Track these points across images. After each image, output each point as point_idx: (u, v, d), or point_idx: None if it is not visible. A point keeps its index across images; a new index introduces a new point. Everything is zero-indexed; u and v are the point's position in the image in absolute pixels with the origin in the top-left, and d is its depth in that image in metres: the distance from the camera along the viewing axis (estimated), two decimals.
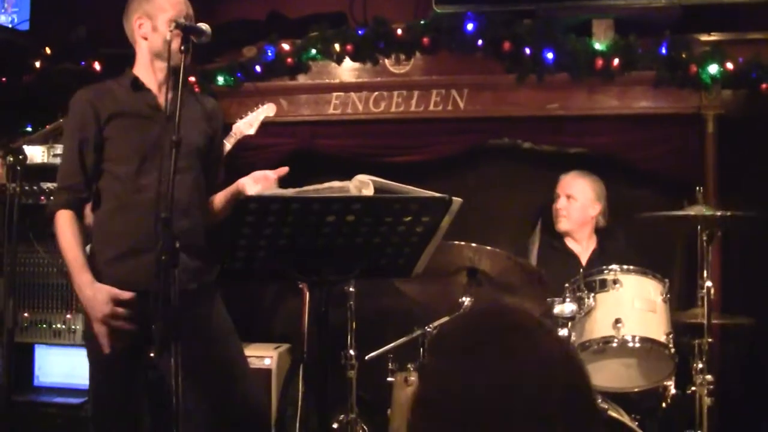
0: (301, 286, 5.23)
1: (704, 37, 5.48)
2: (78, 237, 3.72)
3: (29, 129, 6.04)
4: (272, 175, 3.66)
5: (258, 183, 3.72)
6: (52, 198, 3.89)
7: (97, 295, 3.58)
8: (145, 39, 3.80)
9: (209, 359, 3.79)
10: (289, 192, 3.07)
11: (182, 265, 3.64)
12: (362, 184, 2.95)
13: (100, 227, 3.81)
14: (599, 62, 5.40)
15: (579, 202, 5.32)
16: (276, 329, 6.21)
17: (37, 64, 6.19)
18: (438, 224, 3.07)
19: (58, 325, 6.03)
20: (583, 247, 5.39)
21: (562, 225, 5.37)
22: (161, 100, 3.82)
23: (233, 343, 4.03)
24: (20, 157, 4.78)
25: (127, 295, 3.58)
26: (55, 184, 5.89)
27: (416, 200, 3.00)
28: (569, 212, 5.33)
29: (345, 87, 5.85)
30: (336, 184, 3.02)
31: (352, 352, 4.85)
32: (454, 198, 3.01)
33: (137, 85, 3.81)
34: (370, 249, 3.06)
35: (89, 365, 3.84)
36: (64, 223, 3.73)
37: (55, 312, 6.05)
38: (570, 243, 5.41)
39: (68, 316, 6.01)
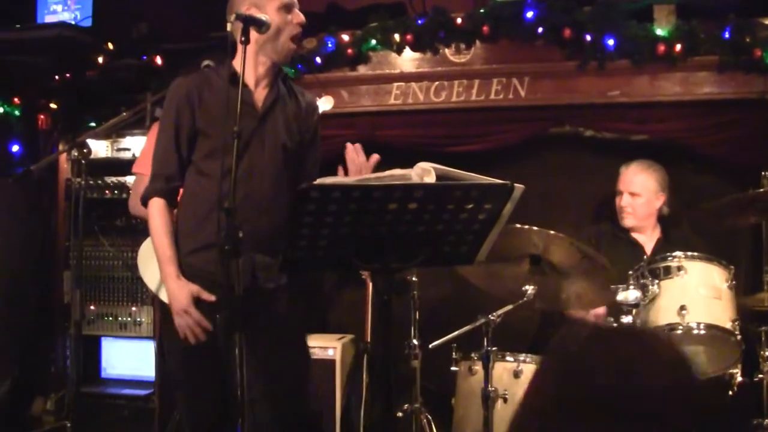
0: (364, 276, 5.24)
1: None
2: (168, 228, 3.71)
3: (92, 125, 6.11)
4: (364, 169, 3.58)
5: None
6: (147, 184, 3.79)
7: (180, 290, 3.59)
8: (260, 33, 3.65)
9: (275, 357, 3.80)
10: (351, 180, 3.07)
11: (261, 264, 3.66)
12: (424, 172, 2.94)
13: (186, 221, 3.78)
14: (661, 48, 5.35)
15: (643, 198, 5.22)
16: (338, 320, 6.23)
17: (100, 60, 6.26)
18: (500, 211, 3.05)
19: (124, 318, 6.14)
20: (647, 236, 5.31)
21: (628, 222, 5.28)
22: (257, 96, 3.80)
23: (299, 346, 4.04)
24: (85, 151, 4.85)
25: (208, 296, 3.57)
26: (119, 179, 6.07)
27: (478, 187, 2.98)
28: (634, 209, 5.24)
29: (405, 77, 5.86)
30: (398, 171, 3.01)
31: (415, 341, 4.85)
32: (516, 185, 2.99)
33: (235, 79, 3.65)
34: (432, 236, 3.05)
35: (168, 356, 3.85)
36: (157, 212, 3.71)
37: (121, 305, 6.16)
38: (634, 234, 5.33)
39: (134, 308, 6.11)
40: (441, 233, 3.06)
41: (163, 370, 5.54)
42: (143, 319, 6.09)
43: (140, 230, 5.42)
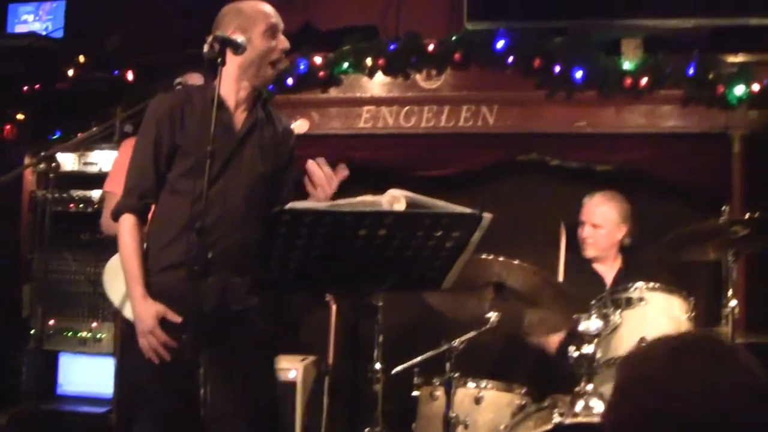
0: (327, 298, 5.24)
1: (731, 58, 5.49)
2: (138, 247, 3.68)
3: (57, 136, 6.08)
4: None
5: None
6: (120, 198, 3.78)
7: (145, 311, 3.58)
8: (236, 55, 3.64)
9: (247, 377, 3.79)
10: (323, 205, 3.09)
11: (232, 284, 3.65)
12: (394, 199, 2.97)
13: (157, 239, 3.76)
14: (628, 81, 5.44)
15: (605, 229, 5.30)
16: (299, 341, 6.21)
17: (70, 72, 6.23)
18: (468, 239, 3.08)
19: (84, 334, 6.03)
20: (608, 267, 5.38)
21: (589, 252, 5.36)
22: (236, 120, 3.80)
23: (270, 367, 4.02)
24: (52, 164, 4.82)
25: (174, 317, 3.56)
26: (85, 192, 6.01)
27: (447, 216, 3.01)
28: (596, 240, 5.33)
29: (376, 101, 5.89)
30: (368, 198, 3.04)
31: (378, 365, 4.85)
32: (485, 214, 3.02)
33: (218, 101, 3.57)
34: (401, 262, 3.08)
35: (134, 373, 3.82)
36: (128, 229, 3.69)
37: (82, 320, 6.06)
38: (595, 265, 5.40)
39: (94, 324, 6.01)
40: (409, 259, 3.09)
41: (122, 388, 5.49)
42: (103, 336, 6.01)
43: (105, 245, 5.36)
